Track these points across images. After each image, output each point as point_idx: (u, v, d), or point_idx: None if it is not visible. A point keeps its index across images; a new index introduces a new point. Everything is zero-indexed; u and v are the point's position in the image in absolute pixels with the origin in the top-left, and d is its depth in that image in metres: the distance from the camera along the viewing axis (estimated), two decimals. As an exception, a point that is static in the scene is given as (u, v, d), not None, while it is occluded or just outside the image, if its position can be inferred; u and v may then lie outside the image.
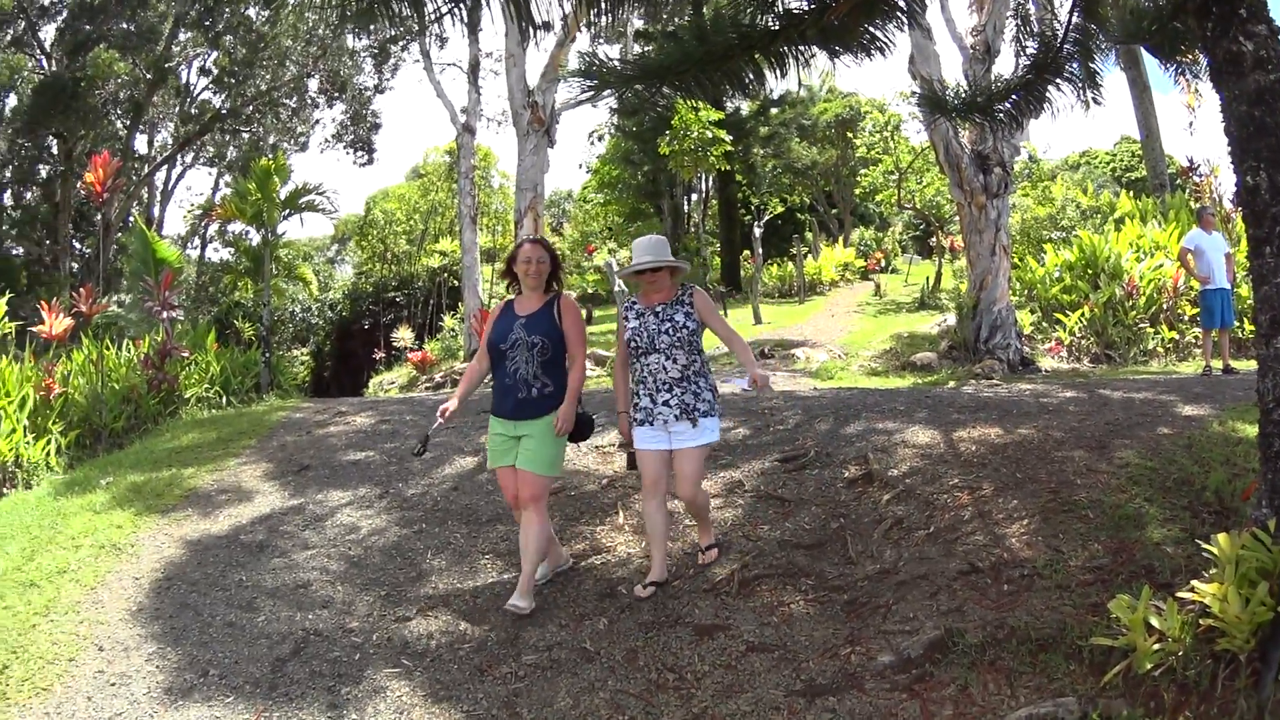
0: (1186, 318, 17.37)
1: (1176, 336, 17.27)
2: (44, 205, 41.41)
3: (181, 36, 40.40)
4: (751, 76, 6.65)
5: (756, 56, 6.41)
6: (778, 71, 6.65)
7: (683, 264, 6.86)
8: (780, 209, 52.57)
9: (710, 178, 47.39)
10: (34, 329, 14.79)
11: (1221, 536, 4.66)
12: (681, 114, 27.62)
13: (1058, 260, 20.02)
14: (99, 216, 32.36)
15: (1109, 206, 25.70)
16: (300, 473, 10.14)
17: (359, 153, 46.24)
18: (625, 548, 7.57)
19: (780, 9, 6.15)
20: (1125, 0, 7.40)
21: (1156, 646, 4.50)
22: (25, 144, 38.76)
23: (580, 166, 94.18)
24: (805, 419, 10.33)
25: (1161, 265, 18.10)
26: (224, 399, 15.64)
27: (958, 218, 20.30)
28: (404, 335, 30.84)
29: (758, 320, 29.61)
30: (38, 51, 39.03)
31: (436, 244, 43.41)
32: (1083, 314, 17.83)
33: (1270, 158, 4.99)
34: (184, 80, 43.01)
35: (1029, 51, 7.39)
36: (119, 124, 41.10)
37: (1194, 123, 36.51)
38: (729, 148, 30.55)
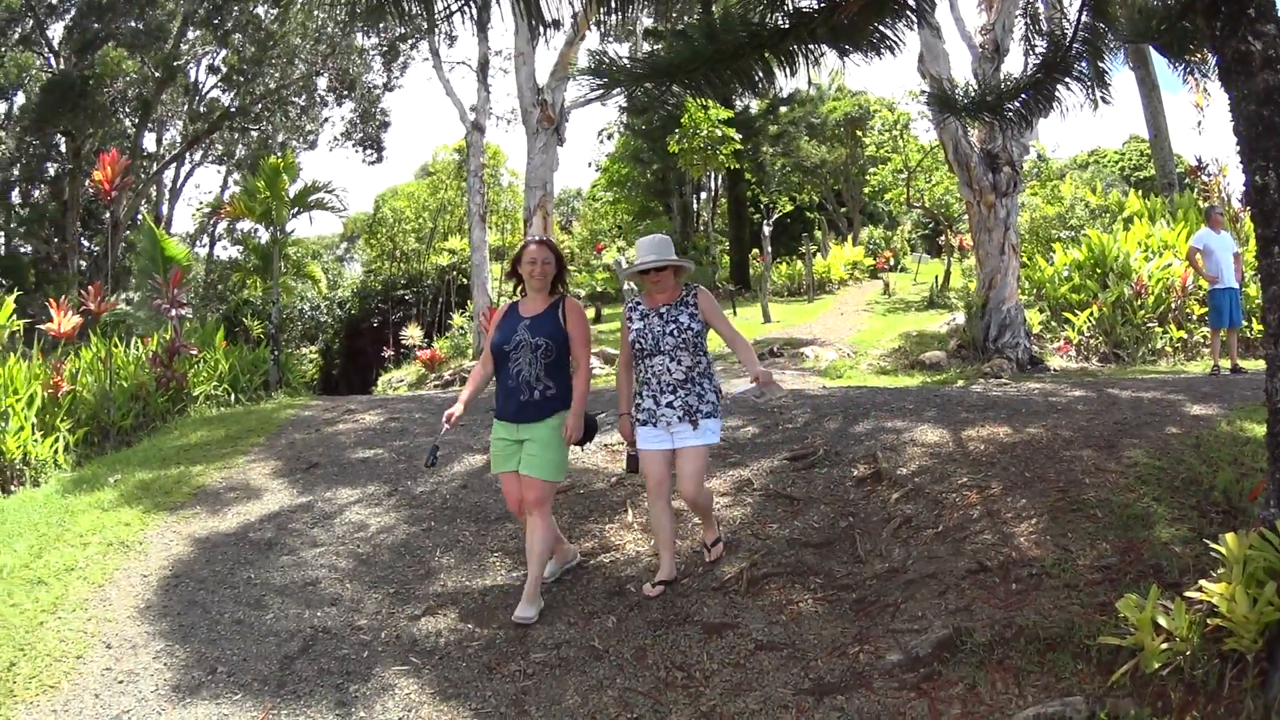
0: (1195, 317, 17.33)
1: (1185, 336, 17.25)
2: (52, 203, 41.48)
3: (190, 34, 40.48)
4: (761, 75, 6.64)
5: (766, 55, 6.40)
6: (787, 70, 6.64)
7: (687, 263, 6.83)
8: (789, 207, 52.47)
9: (719, 176, 47.43)
10: (42, 327, 14.83)
11: (1229, 536, 4.65)
12: (691, 112, 27.68)
13: (1066, 259, 19.98)
14: (107, 214, 32.32)
15: (1117, 206, 25.64)
16: (309, 470, 10.15)
17: (368, 151, 46.26)
18: (634, 546, 7.57)
19: (790, 7, 6.14)
20: (1134, -1, 7.39)
21: (1164, 646, 4.49)
22: (33, 142, 38.80)
23: (589, 165, 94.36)
24: (814, 417, 10.33)
25: (1170, 265, 18.06)
26: (232, 397, 15.64)
27: (967, 216, 20.25)
28: (413, 333, 30.87)
29: (767, 319, 29.57)
30: (46, 50, 39.11)
31: (446, 242, 43.47)
32: (1091, 313, 17.79)
33: (1279, 157, 4.98)
34: (192, 78, 43.15)
35: (1038, 50, 7.37)
36: (127, 122, 41.18)
37: (1202, 122, 36.40)
38: (738, 146, 30.60)
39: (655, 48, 27.50)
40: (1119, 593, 5.02)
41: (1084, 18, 6.93)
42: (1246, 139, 5.12)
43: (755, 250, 43.21)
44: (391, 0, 5.97)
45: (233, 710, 5.45)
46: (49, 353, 14.68)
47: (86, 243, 43.16)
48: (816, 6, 6.13)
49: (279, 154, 24.59)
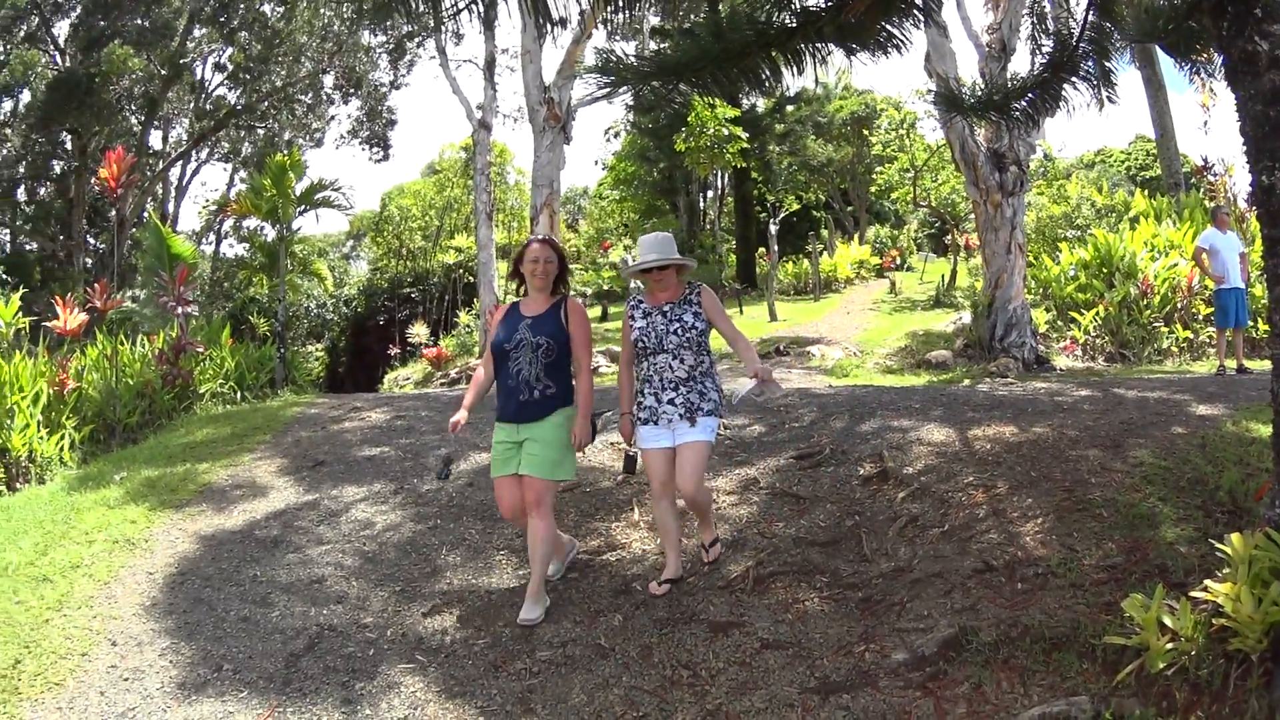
0: (1201, 317, 17.33)
1: (1191, 336, 17.24)
2: (58, 201, 41.46)
3: (196, 32, 40.47)
4: (768, 73, 6.63)
5: (773, 53, 6.39)
6: (794, 69, 6.63)
7: (689, 261, 6.81)
8: (796, 206, 52.50)
9: (726, 175, 47.51)
10: (48, 324, 14.86)
11: (1235, 536, 4.65)
12: (698, 111, 27.65)
13: (1073, 259, 19.97)
14: (113, 212, 32.42)
15: (1124, 205, 25.61)
16: (315, 468, 10.16)
17: (374, 149, 46.21)
18: (640, 544, 7.57)
19: (797, 6, 6.13)
20: (1140, -1, 7.39)
21: (1169, 646, 4.49)
22: (39, 140, 38.81)
23: (596, 163, 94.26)
24: (820, 416, 10.33)
25: (1176, 264, 18.05)
26: (239, 394, 15.68)
27: (973, 216, 20.26)
28: (419, 331, 30.87)
29: (773, 317, 29.58)
30: (51, 47, 39.10)
31: (452, 240, 43.40)
32: (1097, 313, 17.80)
33: (1286, 157, 4.98)
34: (199, 76, 43.09)
35: (1045, 50, 7.37)
36: (133, 120, 41.14)
37: (1209, 122, 36.48)
38: (745, 145, 30.57)
39: (662, 46, 27.55)
40: (1124, 592, 5.02)
41: (1090, 17, 6.94)
42: (1253, 139, 5.11)
43: (762, 249, 43.25)
44: (399, -2, 5.97)
45: (238, 708, 5.46)
46: (55, 350, 14.74)
47: (92, 240, 43.15)
48: (824, 5, 6.12)
49: (285, 152, 24.59)
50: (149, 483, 9.84)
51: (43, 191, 42.83)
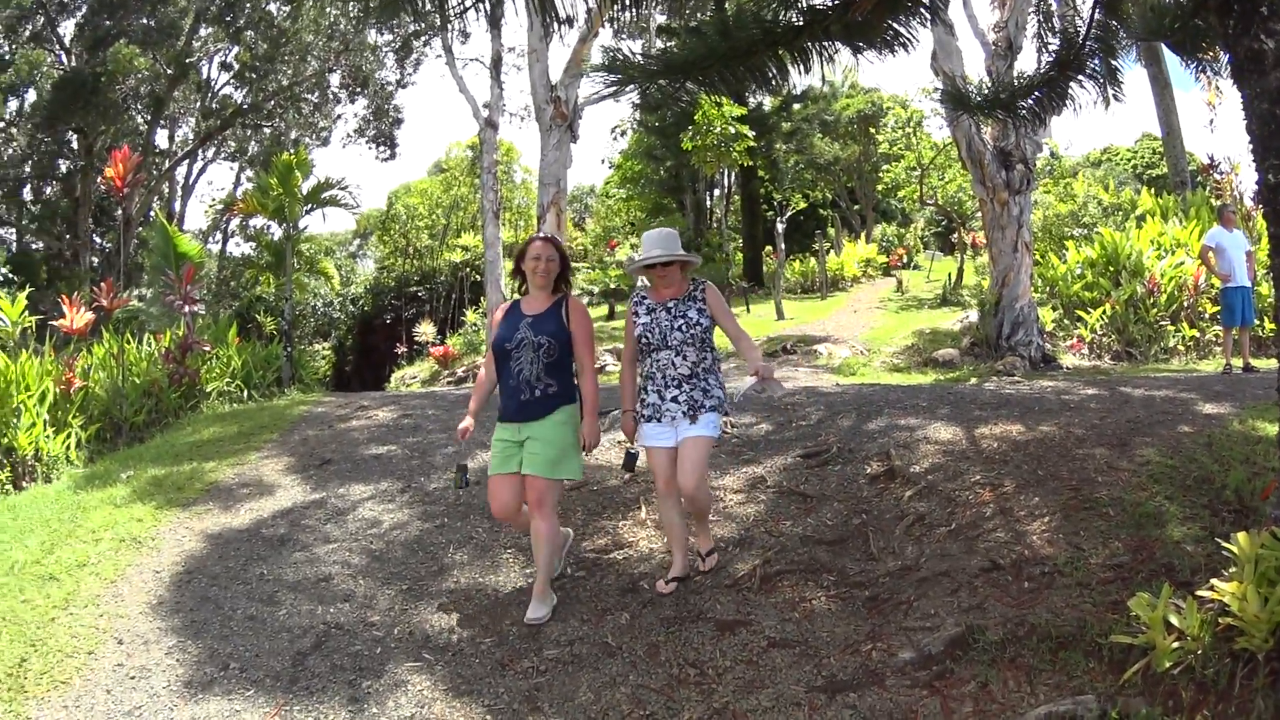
0: (1207, 315, 17.27)
1: (1197, 334, 17.19)
2: (64, 200, 41.47)
3: (202, 31, 40.46)
4: (775, 72, 6.62)
5: (780, 52, 6.38)
6: (801, 67, 6.62)
7: (693, 258, 6.79)
8: (803, 205, 52.44)
9: (733, 173, 47.33)
10: (54, 323, 14.90)
11: (1241, 535, 4.65)
12: (704, 109, 27.58)
13: (1079, 257, 19.92)
14: (119, 211, 32.33)
15: (1130, 204, 25.60)
16: (322, 467, 10.18)
17: (381, 147, 46.20)
18: (647, 543, 7.58)
19: (804, 5, 6.12)
20: (1147, -4, 7.38)
21: (1175, 645, 4.49)
22: (45, 139, 38.83)
23: (603, 162, 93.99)
24: (827, 415, 10.34)
25: (1182, 263, 18.01)
26: (245, 393, 15.69)
27: (980, 214, 20.25)
28: (426, 330, 30.86)
29: (780, 316, 29.49)
30: (57, 47, 39.14)
31: (459, 239, 43.47)
32: (1104, 311, 17.76)
33: (1292, 155, 4.98)
34: (205, 75, 43.14)
35: (1051, 48, 7.37)
36: (139, 119, 41.20)
37: (1215, 120, 36.40)
38: (751, 143, 30.46)
39: (669, 44, 27.56)
40: (1131, 591, 5.01)
41: (1097, 15, 6.93)
42: (1259, 137, 5.11)
43: (769, 247, 43.17)
44: (405, -3, 5.98)
45: (245, 706, 5.47)
46: (61, 349, 14.75)
47: (99, 239, 43.17)
48: (830, 4, 6.12)
49: (292, 151, 24.66)
50: (155, 481, 9.86)
51: (49, 191, 42.90)
